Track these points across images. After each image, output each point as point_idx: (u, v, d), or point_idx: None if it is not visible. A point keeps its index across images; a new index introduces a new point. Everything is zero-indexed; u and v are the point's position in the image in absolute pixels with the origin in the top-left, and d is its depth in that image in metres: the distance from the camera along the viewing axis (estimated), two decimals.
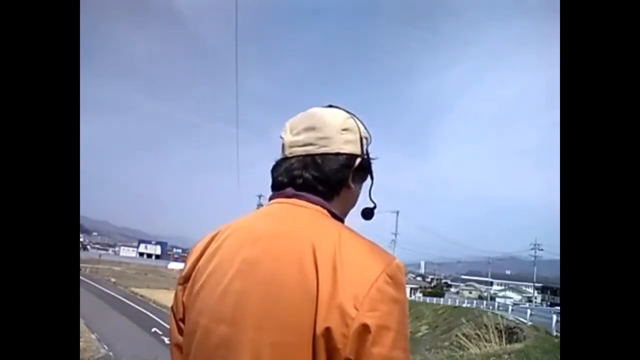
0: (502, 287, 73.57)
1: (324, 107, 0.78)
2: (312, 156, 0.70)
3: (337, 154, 0.70)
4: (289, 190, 0.70)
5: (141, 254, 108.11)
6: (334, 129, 0.71)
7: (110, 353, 14.28)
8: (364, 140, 0.74)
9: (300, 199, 0.68)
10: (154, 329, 19.08)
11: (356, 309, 0.54)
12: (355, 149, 0.72)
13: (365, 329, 0.53)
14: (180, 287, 0.73)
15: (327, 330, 0.54)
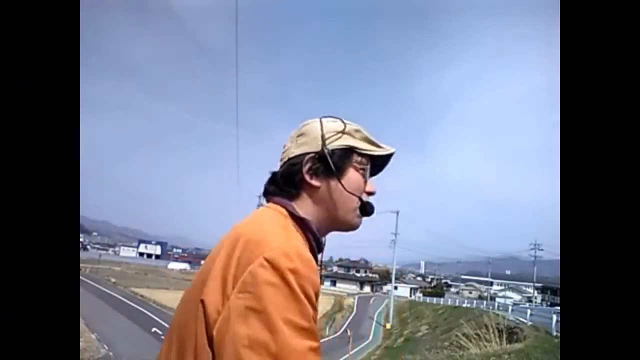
0: (502, 287, 73.51)
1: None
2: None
3: (288, 159, 0.76)
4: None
5: (141, 254, 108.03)
6: (291, 140, 0.79)
7: (110, 353, 14.27)
8: (327, 136, 0.74)
9: (269, 201, 0.76)
10: (154, 329, 19.07)
11: (233, 289, 0.58)
12: (307, 148, 0.75)
13: (231, 308, 0.57)
14: None
15: (202, 303, 0.60)
